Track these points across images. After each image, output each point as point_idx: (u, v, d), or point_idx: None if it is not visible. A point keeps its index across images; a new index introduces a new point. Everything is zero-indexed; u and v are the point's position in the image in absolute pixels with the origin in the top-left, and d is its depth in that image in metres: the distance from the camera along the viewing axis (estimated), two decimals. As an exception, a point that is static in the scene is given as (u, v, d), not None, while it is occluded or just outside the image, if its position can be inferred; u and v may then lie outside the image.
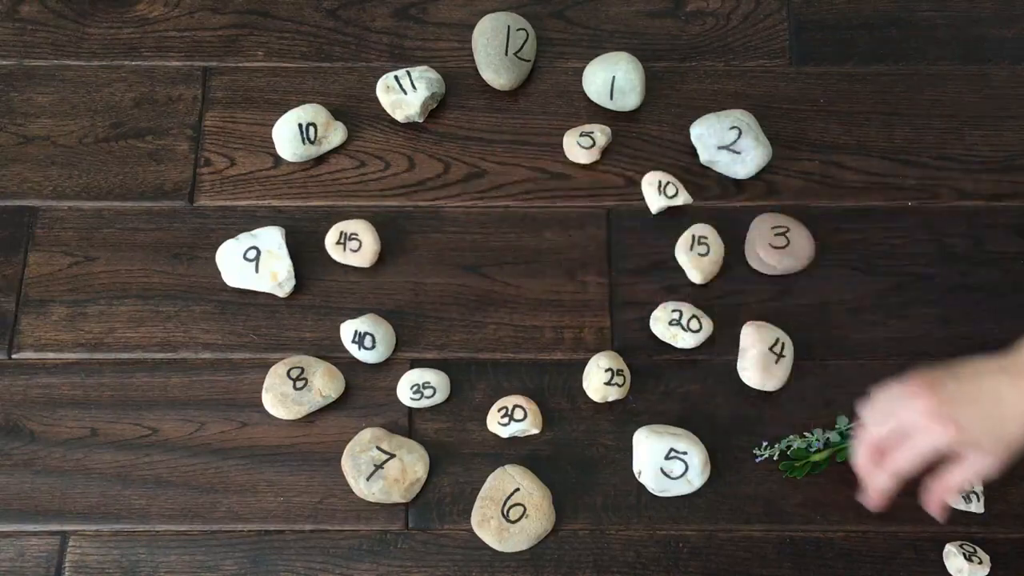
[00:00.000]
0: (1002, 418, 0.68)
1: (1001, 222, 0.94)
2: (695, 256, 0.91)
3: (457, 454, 0.86)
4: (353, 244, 0.91)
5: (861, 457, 0.74)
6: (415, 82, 0.96)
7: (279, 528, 0.84)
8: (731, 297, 0.91)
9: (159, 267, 0.92)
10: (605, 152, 0.96)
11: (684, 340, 0.88)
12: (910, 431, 0.70)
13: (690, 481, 0.83)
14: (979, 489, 0.83)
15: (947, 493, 0.74)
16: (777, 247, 0.91)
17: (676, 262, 0.92)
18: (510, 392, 0.88)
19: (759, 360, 0.86)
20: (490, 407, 0.87)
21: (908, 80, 1.00)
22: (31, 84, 1.00)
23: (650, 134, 0.98)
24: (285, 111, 0.96)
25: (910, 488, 0.85)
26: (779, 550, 0.83)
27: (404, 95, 0.96)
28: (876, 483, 0.73)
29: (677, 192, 0.93)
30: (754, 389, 0.87)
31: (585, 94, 0.99)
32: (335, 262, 0.92)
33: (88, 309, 0.91)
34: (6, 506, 0.84)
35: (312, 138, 0.95)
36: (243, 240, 0.90)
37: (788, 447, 0.85)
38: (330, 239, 0.91)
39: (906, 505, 0.84)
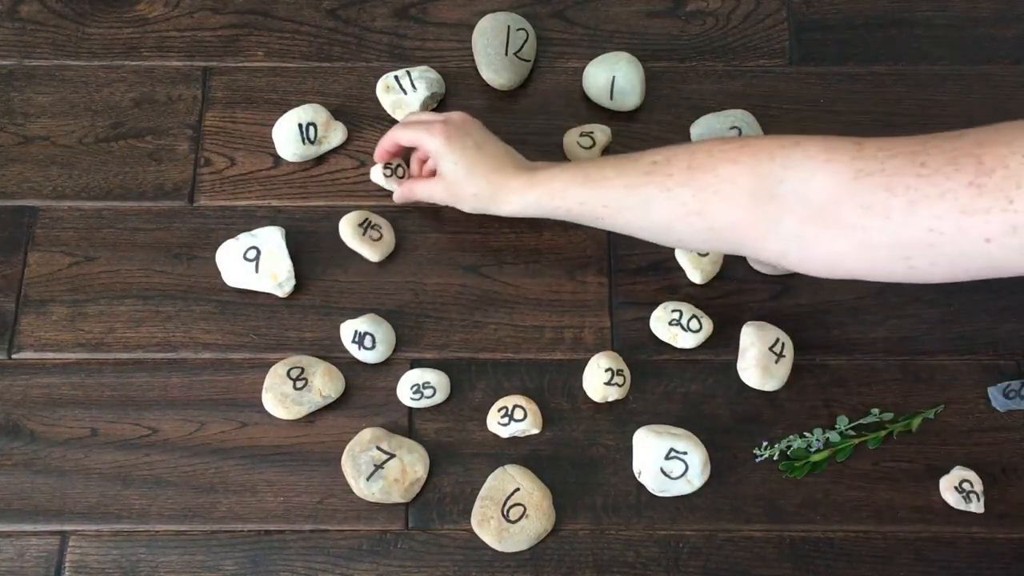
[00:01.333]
0: (473, 172, 0.84)
1: (1001, 222, 0.94)
2: (695, 256, 0.91)
3: (457, 454, 0.86)
4: (374, 233, 0.91)
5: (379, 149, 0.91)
6: (415, 82, 0.96)
7: (279, 528, 0.84)
8: (731, 297, 0.91)
9: (159, 267, 0.92)
10: (605, 152, 0.96)
11: (684, 340, 0.88)
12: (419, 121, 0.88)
13: (690, 481, 0.83)
14: (979, 489, 0.83)
15: (408, 191, 0.91)
16: (777, 247, 0.91)
17: (676, 262, 0.92)
18: (510, 392, 0.88)
19: (759, 360, 0.86)
20: (490, 407, 0.87)
21: (908, 80, 1.00)
22: (31, 84, 1.00)
23: (650, 134, 0.98)
24: (285, 111, 0.96)
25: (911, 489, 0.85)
26: (779, 550, 0.83)
27: (404, 95, 0.96)
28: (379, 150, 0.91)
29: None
30: (754, 389, 0.87)
31: (585, 94, 0.99)
32: (335, 262, 0.92)
33: (88, 309, 0.91)
34: (6, 506, 0.84)
35: (312, 138, 0.95)
36: (243, 240, 0.90)
37: (788, 447, 0.85)
38: (351, 221, 0.91)
39: (906, 505, 0.84)
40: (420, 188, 0.90)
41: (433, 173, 0.90)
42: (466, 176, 0.85)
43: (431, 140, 0.85)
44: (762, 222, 0.73)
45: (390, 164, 0.94)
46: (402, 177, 0.94)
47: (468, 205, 0.87)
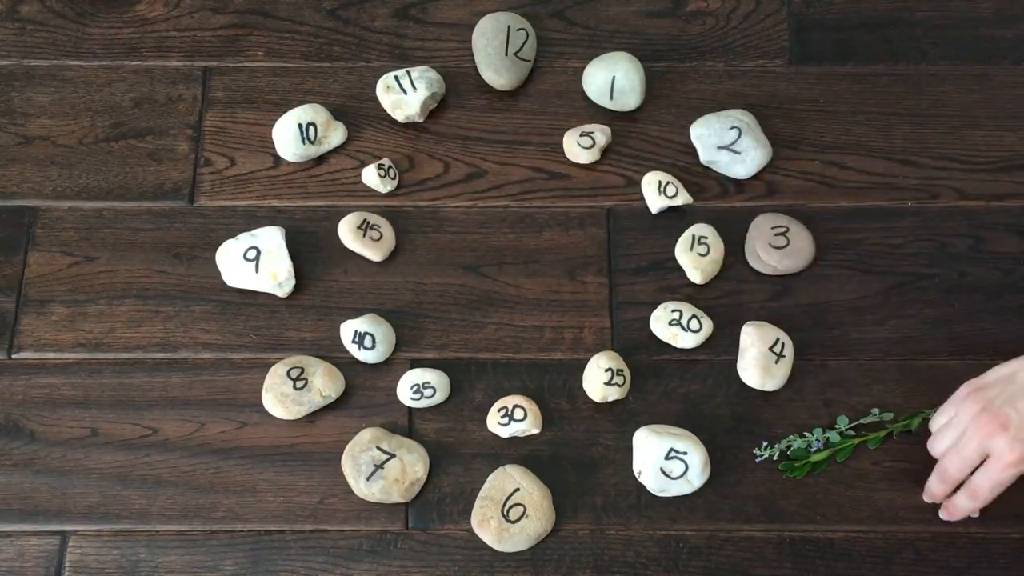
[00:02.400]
0: None
1: (1001, 222, 0.94)
2: (695, 256, 0.91)
3: (457, 454, 0.86)
4: (374, 234, 0.91)
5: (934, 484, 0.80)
6: (415, 82, 0.96)
7: (279, 528, 0.84)
8: (731, 297, 0.91)
9: (159, 267, 0.92)
10: (605, 152, 0.96)
11: (684, 340, 0.88)
12: (966, 441, 0.74)
13: (690, 481, 0.83)
14: None
15: (981, 498, 0.76)
16: (777, 247, 0.91)
17: (676, 262, 0.92)
18: (510, 392, 0.88)
19: (759, 360, 0.86)
20: (490, 407, 0.87)
21: (908, 80, 1.00)
22: (31, 84, 1.00)
23: (650, 134, 0.98)
24: (285, 111, 0.96)
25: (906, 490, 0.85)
26: (779, 550, 0.83)
27: (404, 95, 0.96)
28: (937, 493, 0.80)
29: (677, 192, 0.93)
30: (754, 389, 0.87)
31: (585, 94, 0.99)
32: (335, 262, 0.92)
33: (88, 309, 0.91)
34: (6, 506, 0.84)
35: (312, 138, 0.95)
36: (243, 240, 0.90)
37: (788, 447, 0.85)
38: (349, 223, 0.91)
39: (906, 505, 0.84)
40: (998, 481, 0.75)
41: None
42: None
43: (997, 441, 0.73)
44: None
45: (383, 164, 0.94)
46: (395, 178, 0.94)
47: None
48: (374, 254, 0.91)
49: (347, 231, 0.91)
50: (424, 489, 0.85)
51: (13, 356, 0.89)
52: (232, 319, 0.90)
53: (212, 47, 1.01)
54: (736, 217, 0.93)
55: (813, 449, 0.85)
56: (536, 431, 0.86)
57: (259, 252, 0.90)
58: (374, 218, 0.92)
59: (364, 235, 0.91)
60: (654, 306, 0.89)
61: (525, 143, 0.97)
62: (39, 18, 1.03)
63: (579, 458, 0.86)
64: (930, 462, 0.85)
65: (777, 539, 0.83)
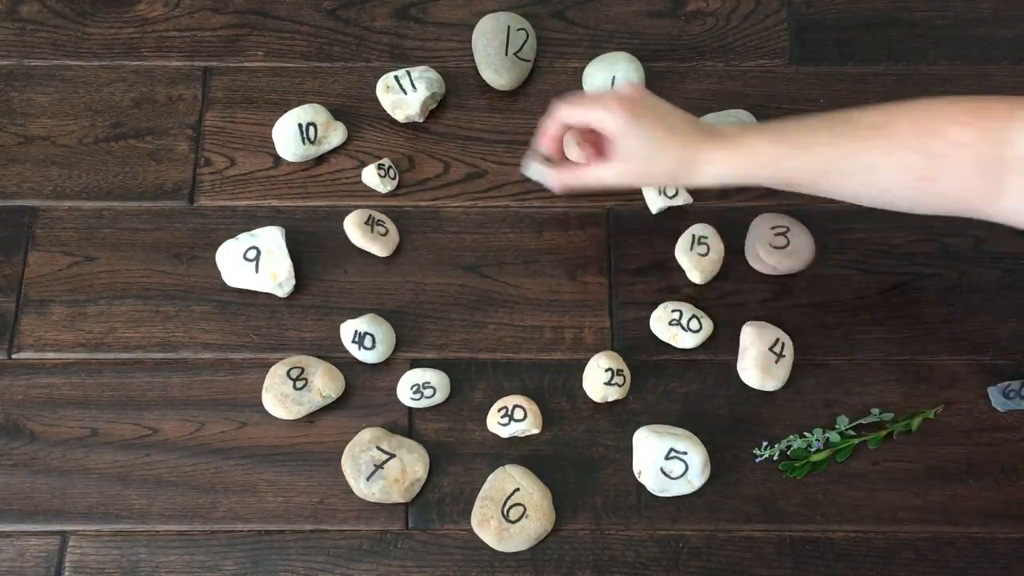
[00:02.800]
0: (662, 147, 0.78)
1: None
2: (695, 256, 0.91)
3: (457, 454, 0.86)
4: (381, 229, 0.91)
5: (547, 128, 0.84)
6: (415, 82, 0.96)
7: (279, 528, 0.84)
8: (731, 297, 0.91)
9: (159, 267, 0.92)
10: (605, 152, 0.96)
11: (684, 340, 0.88)
12: (595, 98, 0.81)
13: (690, 481, 0.83)
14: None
15: (574, 179, 0.83)
16: (777, 247, 0.91)
17: (676, 262, 0.92)
18: (510, 392, 0.88)
19: (759, 360, 0.86)
20: (490, 407, 0.87)
21: (908, 80, 1.00)
22: (31, 84, 1.00)
23: (650, 134, 0.97)
24: (285, 111, 0.96)
25: (909, 490, 0.85)
26: (779, 550, 0.83)
27: (404, 95, 0.96)
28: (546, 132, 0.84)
29: (677, 192, 0.93)
30: (754, 389, 0.87)
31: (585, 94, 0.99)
32: (335, 261, 0.92)
33: (88, 309, 0.91)
34: (6, 506, 0.84)
35: (312, 138, 0.95)
36: (243, 240, 0.90)
37: (788, 447, 0.85)
38: (355, 219, 0.91)
39: (906, 505, 0.84)
40: (590, 174, 0.82)
41: (597, 153, 0.83)
42: (655, 153, 0.78)
43: (612, 119, 0.78)
44: (990, 185, 0.71)
45: (383, 164, 0.94)
46: (395, 178, 0.94)
47: (656, 182, 0.83)
48: (381, 249, 0.91)
49: (354, 227, 0.91)
50: (424, 489, 0.85)
51: (13, 356, 0.89)
52: (232, 319, 0.91)
53: (212, 47, 1.01)
54: (736, 217, 0.93)
55: (813, 449, 0.85)
56: (536, 431, 0.86)
57: (259, 252, 0.90)
58: (379, 214, 0.92)
59: (372, 230, 0.91)
60: (654, 306, 0.89)
61: (525, 143, 0.97)
62: (39, 18, 1.03)
63: (579, 458, 0.86)
64: (930, 462, 0.86)
65: (777, 539, 0.84)
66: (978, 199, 0.72)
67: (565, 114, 0.82)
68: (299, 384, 0.86)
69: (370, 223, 0.91)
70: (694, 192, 0.94)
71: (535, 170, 0.88)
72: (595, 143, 0.84)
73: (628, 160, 0.79)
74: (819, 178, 0.76)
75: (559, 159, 0.87)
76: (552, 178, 0.86)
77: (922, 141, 0.71)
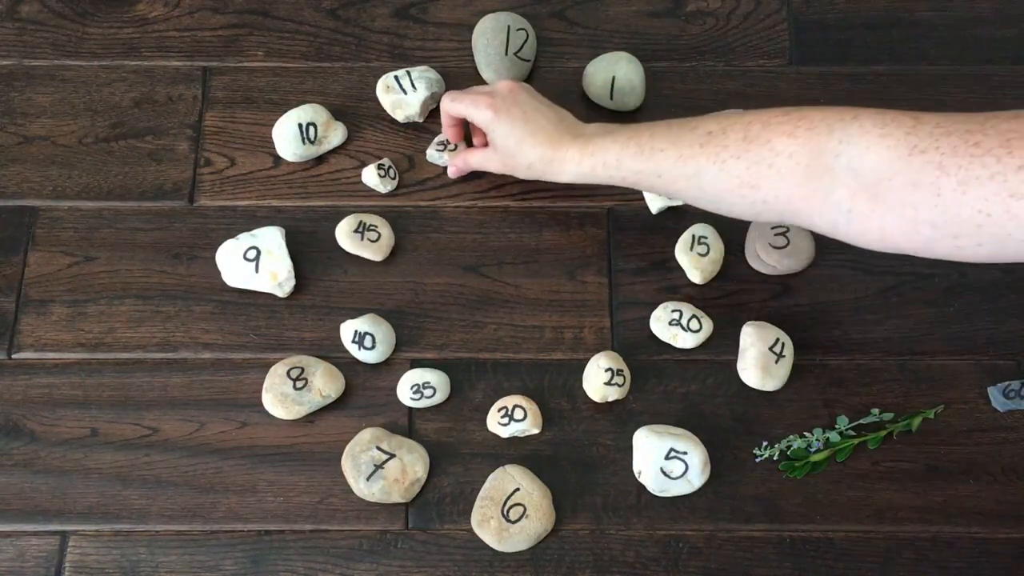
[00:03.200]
0: (523, 143, 0.85)
1: (1001, 222, 0.94)
2: (695, 256, 0.91)
3: (457, 454, 0.86)
4: (372, 235, 0.91)
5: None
6: (415, 82, 0.96)
7: (279, 528, 0.84)
8: (731, 297, 0.91)
9: (159, 267, 0.92)
10: (605, 152, 0.96)
11: (684, 340, 0.88)
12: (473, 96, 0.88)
13: (690, 481, 0.83)
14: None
15: (462, 162, 0.93)
16: (777, 247, 0.91)
17: (676, 262, 0.92)
18: (510, 392, 0.88)
19: (759, 360, 0.86)
20: (490, 407, 0.87)
21: (908, 80, 1.00)
22: (31, 84, 1.00)
23: (650, 134, 0.98)
24: (285, 111, 0.96)
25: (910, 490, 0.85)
26: (779, 550, 0.83)
27: (404, 95, 0.96)
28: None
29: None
30: (754, 389, 0.87)
31: (585, 94, 0.99)
32: (335, 262, 0.92)
33: (88, 309, 0.91)
34: (6, 506, 0.84)
35: (312, 138, 0.95)
36: (243, 240, 0.90)
37: (788, 447, 0.85)
38: (345, 227, 0.91)
39: (906, 505, 0.84)
40: (475, 158, 0.91)
41: (487, 143, 0.91)
42: (518, 148, 0.85)
43: (479, 114, 0.86)
44: (816, 195, 0.72)
45: (383, 164, 0.94)
46: (395, 178, 0.94)
47: (523, 174, 0.88)
48: (374, 255, 0.91)
49: (344, 235, 0.91)
50: (424, 489, 0.85)
51: (13, 356, 0.89)
52: (232, 319, 0.91)
53: (212, 47, 1.01)
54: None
55: (813, 449, 0.85)
56: (536, 431, 0.86)
57: (259, 252, 0.90)
58: (371, 219, 0.92)
59: (362, 238, 0.91)
60: (654, 306, 0.89)
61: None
62: (39, 18, 1.03)
63: (579, 458, 0.86)
64: (930, 462, 0.86)
65: (777, 539, 0.84)
66: (807, 209, 0.73)
67: (447, 106, 0.90)
68: (299, 384, 0.86)
69: (360, 230, 0.91)
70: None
71: (433, 154, 0.95)
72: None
73: (499, 151, 0.88)
74: (655, 180, 0.80)
75: (458, 143, 0.95)
76: (447, 161, 0.95)
77: (749, 150, 0.74)
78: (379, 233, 0.92)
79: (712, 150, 0.76)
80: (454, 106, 0.89)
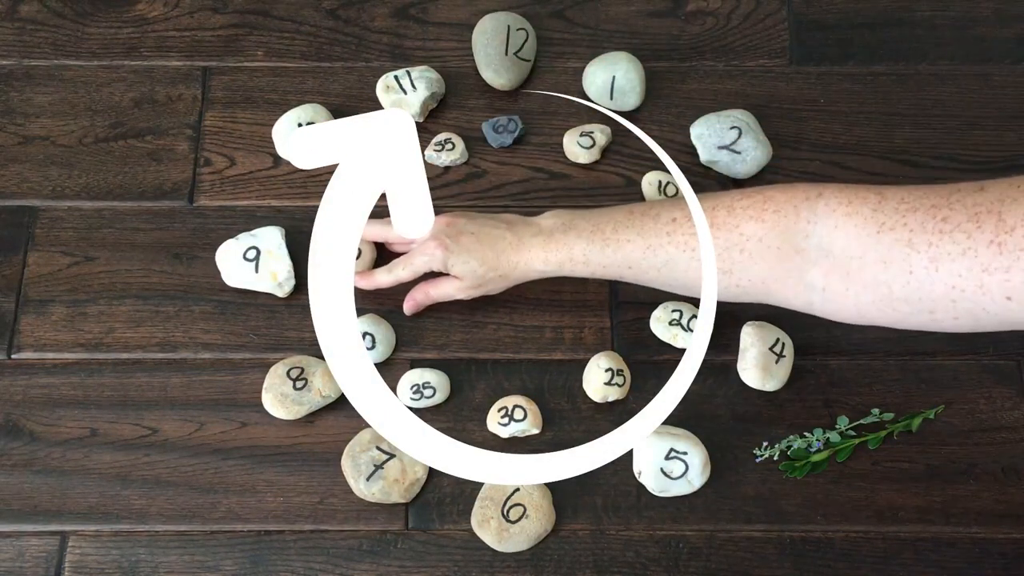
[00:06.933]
0: (485, 262, 0.83)
1: (1001, 222, 0.94)
2: (695, 256, 0.91)
3: (457, 454, 0.86)
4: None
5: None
6: (415, 82, 0.96)
7: (279, 528, 0.84)
8: (731, 297, 0.91)
9: (159, 267, 0.92)
10: (605, 152, 0.96)
11: (684, 340, 0.88)
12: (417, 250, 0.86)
13: (690, 481, 0.83)
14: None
15: (423, 296, 0.88)
16: (777, 247, 0.90)
17: (676, 262, 0.92)
18: (510, 392, 0.88)
19: (759, 360, 0.86)
20: (490, 407, 0.87)
21: (908, 80, 1.00)
22: (31, 84, 1.00)
23: (650, 134, 0.97)
24: (285, 111, 0.96)
25: (908, 491, 0.85)
26: (779, 550, 0.83)
27: (404, 95, 0.96)
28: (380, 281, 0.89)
29: (677, 192, 0.93)
30: (754, 389, 0.87)
31: (585, 94, 0.99)
32: (335, 262, 0.92)
33: (88, 309, 0.91)
34: (6, 506, 0.84)
35: (312, 138, 0.95)
36: (243, 240, 0.90)
37: (788, 447, 0.85)
38: None
39: (906, 505, 0.84)
40: (437, 291, 0.88)
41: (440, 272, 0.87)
42: (482, 267, 0.84)
43: (434, 261, 0.85)
44: (789, 276, 0.73)
45: None
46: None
47: (497, 287, 0.87)
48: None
49: None
50: (424, 489, 0.85)
51: (13, 356, 0.89)
52: (232, 319, 0.90)
53: (212, 47, 1.01)
54: (736, 217, 0.93)
55: (813, 449, 0.85)
56: (536, 431, 0.86)
57: (259, 252, 0.90)
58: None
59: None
60: (654, 306, 0.89)
61: (525, 143, 0.97)
62: (39, 18, 1.03)
63: (579, 458, 0.86)
64: (930, 462, 0.86)
65: (777, 539, 0.84)
66: (782, 290, 0.75)
67: (401, 277, 0.87)
68: (299, 384, 0.86)
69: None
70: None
71: (432, 155, 0.95)
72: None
73: (465, 279, 0.85)
74: (625, 272, 0.81)
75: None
76: (408, 299, 0.89)
77: (717, 236, 0.74)
78: (359, 250, 0.91)
79: (680, 238, 0.76)
80: (407, 272, 0.86)
